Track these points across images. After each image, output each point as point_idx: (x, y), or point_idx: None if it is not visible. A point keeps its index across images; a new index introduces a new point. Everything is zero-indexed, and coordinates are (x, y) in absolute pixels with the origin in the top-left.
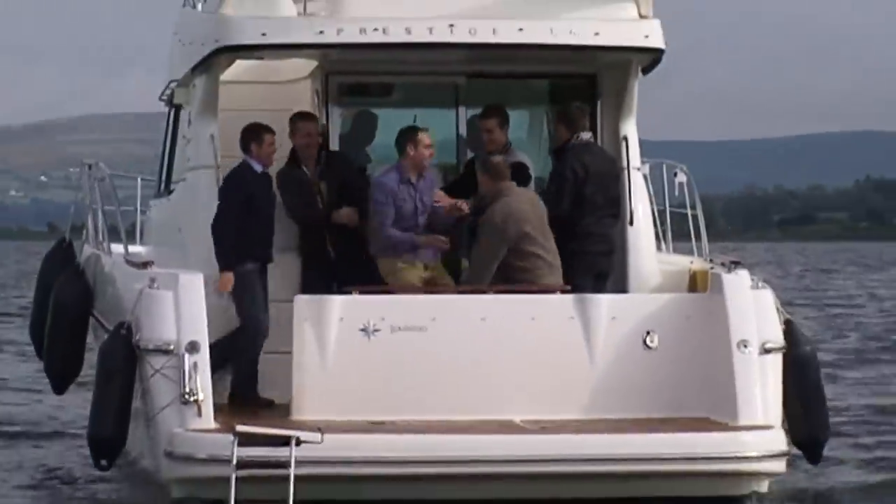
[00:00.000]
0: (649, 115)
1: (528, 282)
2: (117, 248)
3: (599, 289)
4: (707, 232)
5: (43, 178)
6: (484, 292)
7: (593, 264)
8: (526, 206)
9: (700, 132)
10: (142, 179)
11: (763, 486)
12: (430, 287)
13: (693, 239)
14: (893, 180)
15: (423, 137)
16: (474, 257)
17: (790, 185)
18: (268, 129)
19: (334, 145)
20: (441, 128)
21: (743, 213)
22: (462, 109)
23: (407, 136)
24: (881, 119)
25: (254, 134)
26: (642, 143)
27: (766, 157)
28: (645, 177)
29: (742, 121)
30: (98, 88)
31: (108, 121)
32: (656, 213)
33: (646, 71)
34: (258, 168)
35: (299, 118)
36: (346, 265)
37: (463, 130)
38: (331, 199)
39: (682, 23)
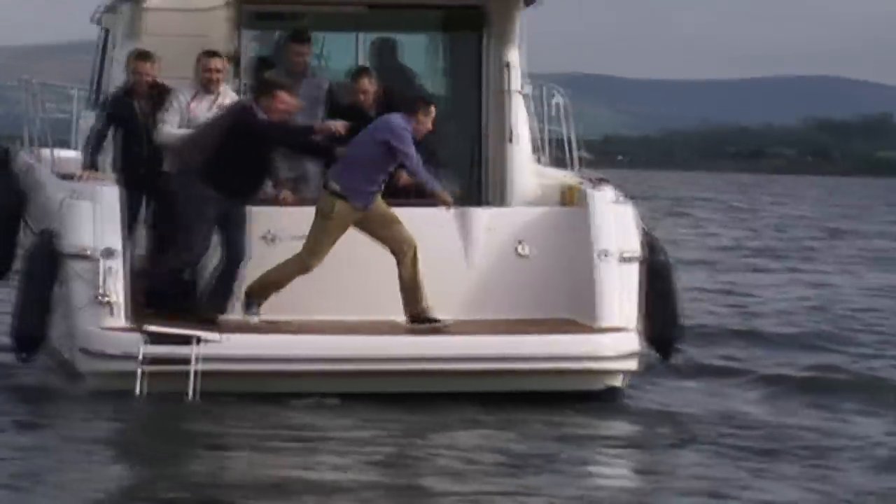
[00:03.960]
0: (624, 55)
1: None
2: (58, 153)
3: None
4: (667, 161)
5: None
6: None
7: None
8: None
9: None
10: (78, 90)
11: (618, 381)
12: None
13: (567, 155)
14: (837, 120)
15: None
16: None
17: (744, 123)
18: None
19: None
20: (344, 52)
21: (700, 146)
22: (362, 35)
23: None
24: (829, 64)
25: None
26: (621, 80)
27: (723, 96)
28: (526, 97)
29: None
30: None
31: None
32: (538, 133)
33: (528, 2)
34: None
35: (204, 54)
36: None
37: (363, 54)
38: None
39: None
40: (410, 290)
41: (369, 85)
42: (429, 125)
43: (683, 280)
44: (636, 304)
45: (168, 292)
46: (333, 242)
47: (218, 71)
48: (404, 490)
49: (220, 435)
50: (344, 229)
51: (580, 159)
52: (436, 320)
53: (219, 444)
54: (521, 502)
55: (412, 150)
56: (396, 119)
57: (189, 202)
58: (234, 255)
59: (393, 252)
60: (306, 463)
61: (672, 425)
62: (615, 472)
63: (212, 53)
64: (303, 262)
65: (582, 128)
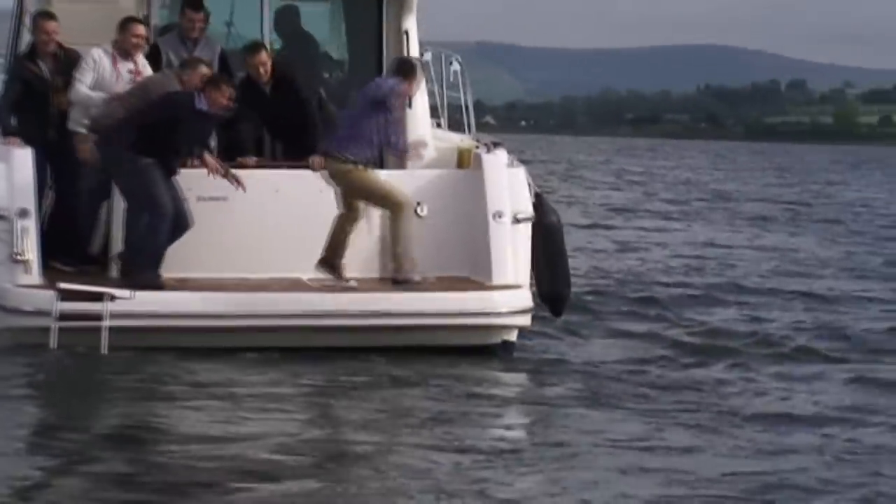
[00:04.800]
0: (528, 24)
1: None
2: None
3: None
4: (568, 127)
5: None
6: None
7: None
8: None
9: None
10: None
11: (512, 336)
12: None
13: (464, 119)
14: (729, 88)
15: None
16: None
17: (641, 90)
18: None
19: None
20: (249, 17)
21: (599, 112)
22: (266, 1)
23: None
24: (723, 34)
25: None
26: (524, 49)
27: (622, 64)
28: (426, 64)
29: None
30: None
31: None
32: (436, 98)
33: None
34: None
35: (129, 21)
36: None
37: (267, 21)
38: None
39: None
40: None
41: (266, 58)
42: (415, 90)
43: (575, 239)
44: (528, 263)
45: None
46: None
47: (142, 37)
48: (321, 443)
49: (134, 388)
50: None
51: (485, 124)
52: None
53: (134, 396)
54: (431, 454)
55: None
56: (392, 81)
57: (140, 170)
58: (182, 222)
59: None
60: (214, 416)
61: (563, 378)
62: (515, 422)
63: (136, 20)
64: (402, 208)
65: (486, 95)
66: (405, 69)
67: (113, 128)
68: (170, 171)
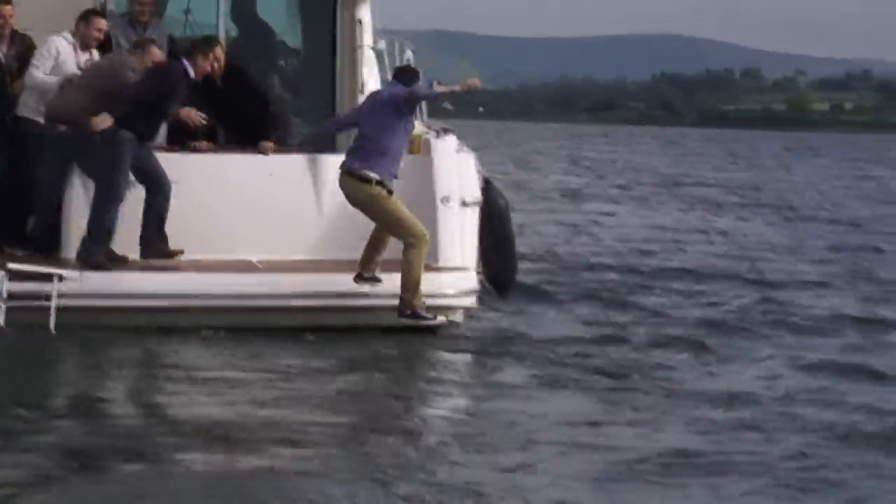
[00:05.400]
0: (486, 12)
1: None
2: None
3: None
4: (525, 114)
5: None
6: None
7: None
8: None
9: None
10: None
11: (458, 317)
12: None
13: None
14: (684, 76)
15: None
16: None
17: (598, 78)
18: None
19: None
20: (206, 5)
21: (556, 99)
22: None
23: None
24: (679, 23)
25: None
26: (482, 37)
27: (579, 52)
28: (380, 52)
29: (560, 20)
30: None
31: None
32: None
33: None
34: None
35: (92, 14)
36: None
37: (224, 9)
38: None
39: None
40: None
41: (221, 53)
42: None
43: (526, 223)
44: (475, 246)
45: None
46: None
47: (103, 31)
48: (269, 422)
49: (83, 365)
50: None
51: (443, 110)
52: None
53: (83, 373)
54: (382, 436)
55: (421, 90)
56: (392, 88)
57: (112, 148)
58: (165, 191)
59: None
60: (165, 391)
61: (511, 359)
62: (463, 403)
63: (98, 14)
64: (417, 241)
65: (445, 82)
66: (408, 76)
67: (86, 112)
68: (147, 139)
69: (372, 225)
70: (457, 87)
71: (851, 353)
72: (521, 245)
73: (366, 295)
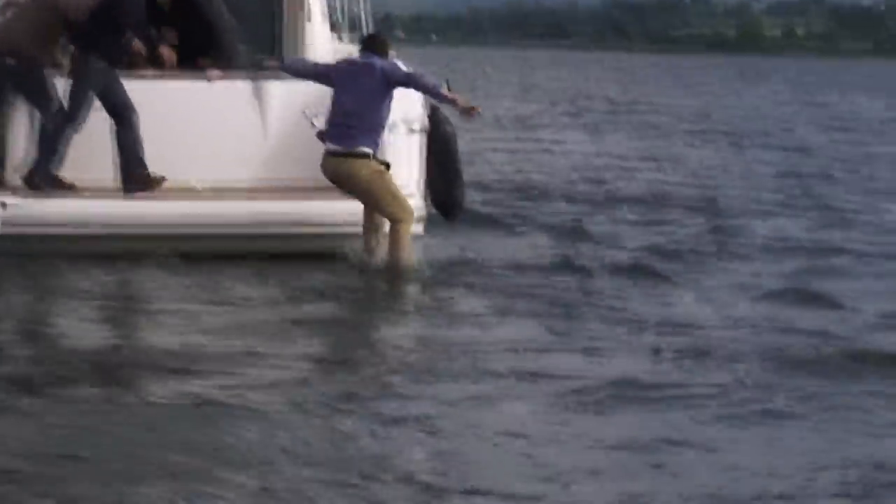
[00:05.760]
0: None
1: None
2: None
3: None
4: (476, 40)
5: None
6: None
7: None
8: None
9: None
10: None
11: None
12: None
13: (363, 32)
14: (635, 1)
15: None
16: None
17: (548, 3)
18: None
19: None
20: None
21: (507, 25)
22: None
23: None
24: None
25: None
26: None
27: None
28: None
29: None
30: None
31: None
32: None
33: None
34: None
35: None
36: None
37: None
38: None
39: None
40: None
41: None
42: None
43: (475, 147)
44: (422, 172)
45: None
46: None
47: None
48: (210, 350)
49: (27, 291)
50: None
51: (394, 37)
52: None
53: (26, 298)
54: (328, 366)
55: (423, 80)
56: (385, 64)
57: (85, 74)
58: (129, 115)
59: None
60: (108, 318)
61: (460, 286)
62: (411, 331)
63: None
64: (409, 217)
65: (393, 8)
66: (381, 49)
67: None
68: (117, 61)
69: (314, 148)
70: (460, 100)
71: (802, 279)
72: (471, 173)
73: (309, 222)
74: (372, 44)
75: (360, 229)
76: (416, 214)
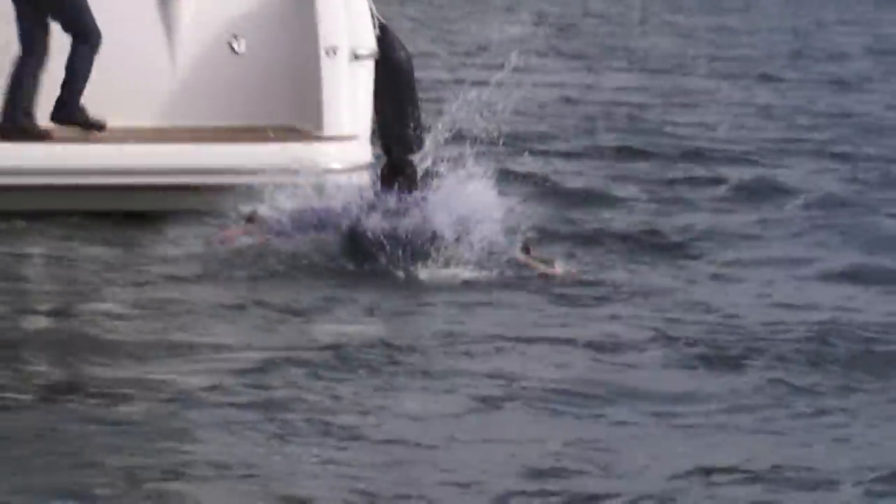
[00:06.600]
0: None
1: None
2: None
3: None
4: None
5: None
6: None
7: None
8: None
9: None
10: None
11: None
12: None
13: None
14: None
15: None
16: None
17: None
18: None
19: None
20: None
21: None
22: None
23: None
24: None
25: None
26: None
27: None
28: None
29: None
30: None
31: None
32: None
33: None
34: None
35: None
36: None
37: None
38: None
39: None
40: None
41: None
42: None
43: (439, 77)
44: (369, 109)
45: None
46: None
47: None
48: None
49: None
50: None
51: None
52: None
53: None
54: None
55: None
56: None
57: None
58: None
59: None
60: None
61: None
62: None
63: None
64: None
65: None
66: None
67: None
68: None
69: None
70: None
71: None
72: (430, 110)
73: (231, 171)
74: None
75: (306, 179)
76: (360, 162)
